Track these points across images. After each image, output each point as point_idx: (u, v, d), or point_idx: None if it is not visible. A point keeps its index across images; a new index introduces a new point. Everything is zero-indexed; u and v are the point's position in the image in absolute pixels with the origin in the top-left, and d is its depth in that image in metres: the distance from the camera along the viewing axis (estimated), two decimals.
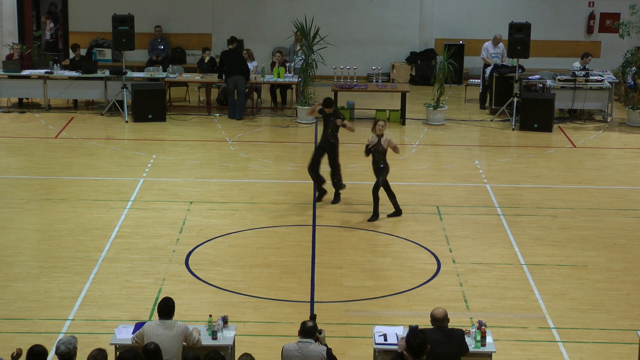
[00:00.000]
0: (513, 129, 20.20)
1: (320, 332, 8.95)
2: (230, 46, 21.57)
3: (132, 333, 9.45)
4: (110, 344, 9.54)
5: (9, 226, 14.27)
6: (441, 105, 20.70)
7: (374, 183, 14.61)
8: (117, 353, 9.46)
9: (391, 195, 14.79)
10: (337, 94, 20.75)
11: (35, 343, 8.58)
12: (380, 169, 14.51)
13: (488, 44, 22.43)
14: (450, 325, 8.97)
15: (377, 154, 14.46)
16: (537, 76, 21.33)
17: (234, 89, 20.63)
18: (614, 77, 21.70)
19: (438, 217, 14.85)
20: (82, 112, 21.39)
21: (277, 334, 10.90)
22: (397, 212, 14.82)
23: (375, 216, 14.67)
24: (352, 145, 19.04)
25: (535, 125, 20.01)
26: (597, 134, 20.06)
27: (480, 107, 22.09)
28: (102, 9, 23.78)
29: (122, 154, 18.09)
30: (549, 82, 20.93)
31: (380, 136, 14.43)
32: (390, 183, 14.91)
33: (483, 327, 9.53)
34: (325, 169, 15.47)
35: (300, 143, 19.04)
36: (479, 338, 9.45)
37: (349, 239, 13.96)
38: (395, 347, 9.29)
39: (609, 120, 21.13)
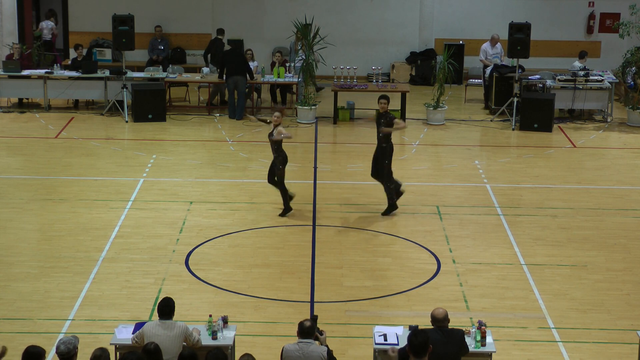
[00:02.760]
0: (513, 129, 20.21)
1: (321, 333, 8.95)
2: (219, 36, 21.70)
3: (132, 333, 9.45)
4: (110, 344, 9.53)
5: (9, 226, 14.27)
6: (441, 105, 20.70)
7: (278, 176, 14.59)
8: (118, 354, 9.46)
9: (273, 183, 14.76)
10: (337, 94, 20.76)
11: (35, 343, 8.55)
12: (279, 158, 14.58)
13: (486, 45, 22.45)
14: (450, 325, 8.96)
15: (273, 144, 14.50)
16: (537, 76, 21.34)
17: (234, 89, 20.65)
18: (614, 77, 21.70)
19: (438, 217, 14.85)
20: (82, 112, 21.39)
21: (277, 334, 10.90)
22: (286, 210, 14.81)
23: (286, 210, 14.72)
24: (352, 145, 19.06)
25: (535, 125, 20.01)
26: (597, 134, 20.06)
27: (485, 106, 22.07)
28: (102, 9, 23.79)
29: (122, 154, 18.09)
30: (549, 82, 20.94)
31: (276, 126, 14.47)
32: None
33: (483, 327, 9.53)
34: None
35: (300, 143, 19.04)
36: (479, 338, 9.45)
37: (349, 239, 13.96)
38: (396, 348, 9.28)
39: (609, 120, 21.13)
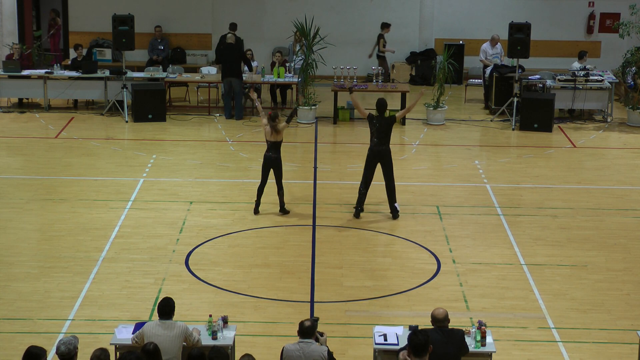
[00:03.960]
0: (513, 129, 20.21)
1: (322, 334, 8.95)
2: (230, 31, 21.70)
3: (132, 333, 9.45)
4: (110, 344, 9.53)
5: (9, 226, 14.27)
6: (441, 105, 20.70)
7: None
8: (118, 354, 9.46)
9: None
10: (337, 94, 20.76)
11: (35, 343, 8.55)
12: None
13: (486, 46, 22.44)
14: (450, 325, 8.97)
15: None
16: (537, 76, 21.33)
17: (230, 90, 20.61)
18: (614, 77, 21.70)
19: (438, 217, 14.85)
20: (82, 112, 21.39)
21: (277, 334, 10.90)
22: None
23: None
24: (352, 146, 19.05)
25: (535, 125, 20.01)
26: (597, 134, 20.06)
27: (485, 106, 22.07)
28: (102, 9, 23.79)
29: (122, 154, 18.09)
30: (549, 82, 20.94)
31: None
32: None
33: (483, 327, 9.52)
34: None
35: (300, 143, 19.04)
36: (479, 338, 9.45)
37: (349, 239, 13.96)
38: (396, 347, 9.29)
39: (609, 120, 21.13)
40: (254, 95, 15.36)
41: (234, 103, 20.80)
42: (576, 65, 21.53)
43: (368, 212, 14.92)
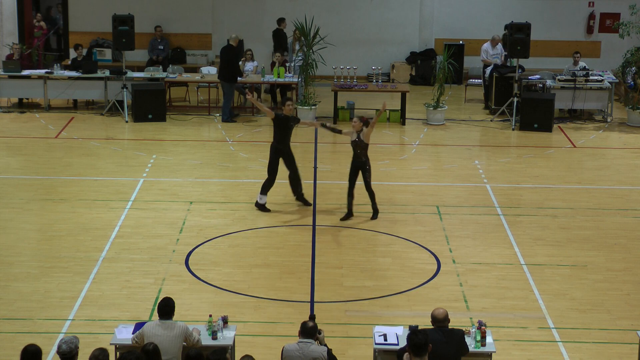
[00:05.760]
0: (513, 129, 20.21)
1: (319, 332, 8.96)
2: (279, 27, 21.59)
3: (132, 333, 9.45)
4: (110, 344, 9.53)
5: (9, 226, 14.27)
6: (441, 105, 20.70)
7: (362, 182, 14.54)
8: (118, 353, 9.46)
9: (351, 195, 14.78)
10: (337, 94, 20.76)
11: (35, 343, 8.53)
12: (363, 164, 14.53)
13: (487, 46, 22.44)
14: (450, 325, 8.97)
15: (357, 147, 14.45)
16: (537, 76, 21.34)
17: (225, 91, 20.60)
18: (614, 77, 21.70)
19: (438, 217, 14.85)
20: (82, 112, 21.39)
21: (277, 334, 10.90)
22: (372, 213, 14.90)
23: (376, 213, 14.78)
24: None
25: (535, 125, 20.02)
26: (597, 134, 20.06)
27: (485, 106, 22.08)
28: (102, 9, 23.81)
29: (122, 154, 18.09)
30: (549, 82, 20.94)
31: (358, 132, 14.38)
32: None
33: (483, 327, 9.52)
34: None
35: (300, 143, 19.03)
36: (479, 338, 9.45)
37: (349, 239, 13.96)
38: (396, 347, 9.29)
39: (609, 120, 21.13)
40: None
41: (232, 104, 20.69)
42: (567, 67, 21.45)
43: (368, 212, 14.91)
